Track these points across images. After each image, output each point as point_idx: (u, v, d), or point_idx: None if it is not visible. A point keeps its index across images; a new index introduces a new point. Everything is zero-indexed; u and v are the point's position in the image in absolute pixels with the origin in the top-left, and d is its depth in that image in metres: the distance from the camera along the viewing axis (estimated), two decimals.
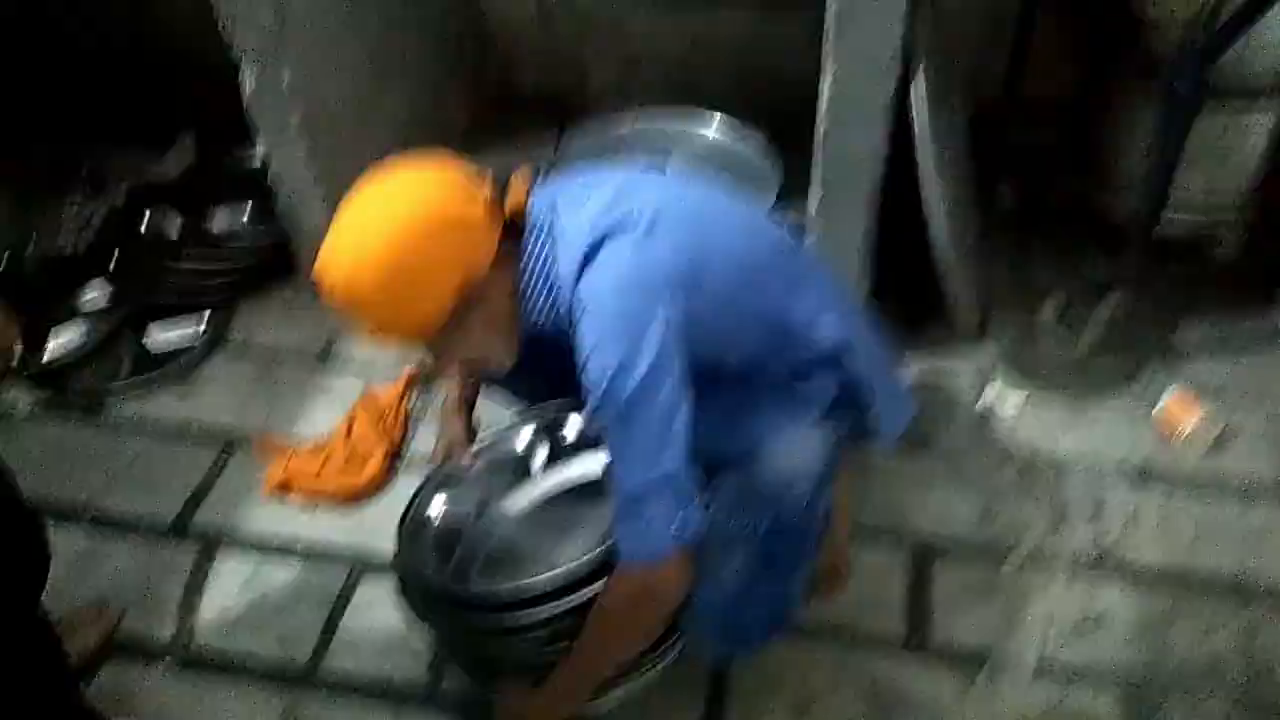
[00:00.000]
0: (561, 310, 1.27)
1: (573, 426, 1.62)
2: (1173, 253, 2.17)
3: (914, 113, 1.87)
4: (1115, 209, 2.29)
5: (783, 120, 2.82)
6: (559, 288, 1.27)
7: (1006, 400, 2.13)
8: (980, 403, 2.14)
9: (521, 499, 1.57)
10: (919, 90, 1.86)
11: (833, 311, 1.43)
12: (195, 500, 2.00)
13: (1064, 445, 2.05)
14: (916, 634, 1.74)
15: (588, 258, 1.23)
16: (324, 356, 2.34)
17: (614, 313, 1.19)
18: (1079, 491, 1.96)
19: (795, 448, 1.38)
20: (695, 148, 2.40)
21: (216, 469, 2.06)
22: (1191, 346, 2.25)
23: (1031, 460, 2.02)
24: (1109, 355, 2.22)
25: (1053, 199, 2.42)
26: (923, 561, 1.85)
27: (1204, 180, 2.11)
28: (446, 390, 1.73)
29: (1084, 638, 1.72)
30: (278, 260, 2.48)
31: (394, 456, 2.06)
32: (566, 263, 1.25)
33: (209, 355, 2.34)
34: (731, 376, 1.40)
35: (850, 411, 1.47)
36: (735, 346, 1.37)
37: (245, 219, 2.58)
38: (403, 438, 2.11)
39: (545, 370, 1.62)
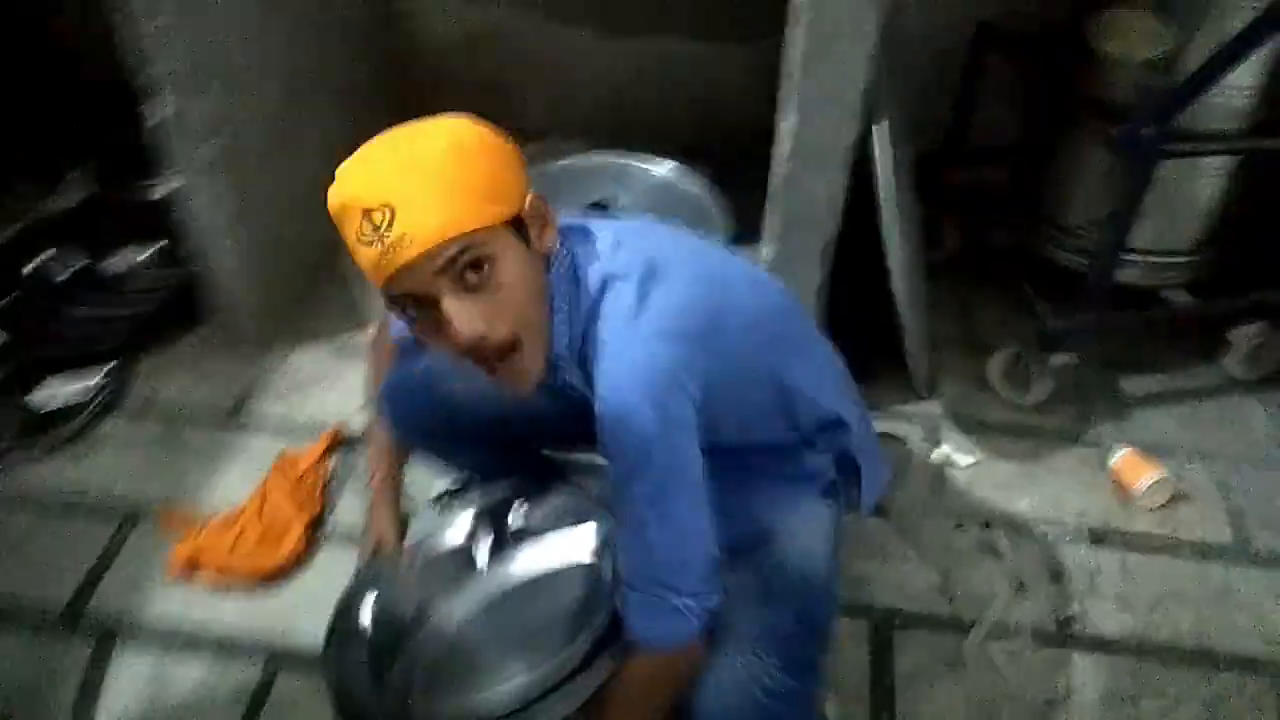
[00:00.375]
0: (576, 349, 1.15)
1: (518, 512, 1.49)
2: (1122, 302, 2.13)
3: (876, 159, 1.79)
4: (1061, 256, 2.24)
5: (726, 156, 2.75)
6: (577, 324, 1.15)
7: (959, 459, 2.06)
8: (932, 461, 2.07)
9: (467, 600, 1.41)
10: (881, 135, 1.78)
11: (831, 377, 1.37)
12: (91, 583, 1.80)
13: (1019, 505, 1.99)
14: (881, 716, 1.65)
15: (601, 302, 1.13)
16: (235, 415, 2.16)
17: (640, 375, 1.08)
18: (1037, 555, 1.90)
19: (806, 528, 1.31)
20: (641, 185, 2.28)
21: (115, 546, 1.87)
22: (1140, 399, 2.23)
23: (988, 522, 1.95)
24: (1059, 409, 2.17)
25: (997, 245, 2.36)
26: (883, 636, 1.76)
27: (1154, 227, 2.07)
28: (370, 475, 1.56)
29: (1051, 716, 1.65)
30: (183, 306, 2.30)
31: (314, 528, 1.90)
32: (586, 304, 1.14)
33: (106, 414, 2.13)
34: (730, 447, 1.28)
35: (847, 484, 1.41)
36: (739, 412, 1.27)
37: (147, 260, 2.39)
38: (323, 507, 1.94)
39: (500, 441, 1.52)
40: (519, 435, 1.55)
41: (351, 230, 1.03)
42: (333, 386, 2.21)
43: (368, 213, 1.00)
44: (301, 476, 1.97)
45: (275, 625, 1.74)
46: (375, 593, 1.41)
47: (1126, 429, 2.15)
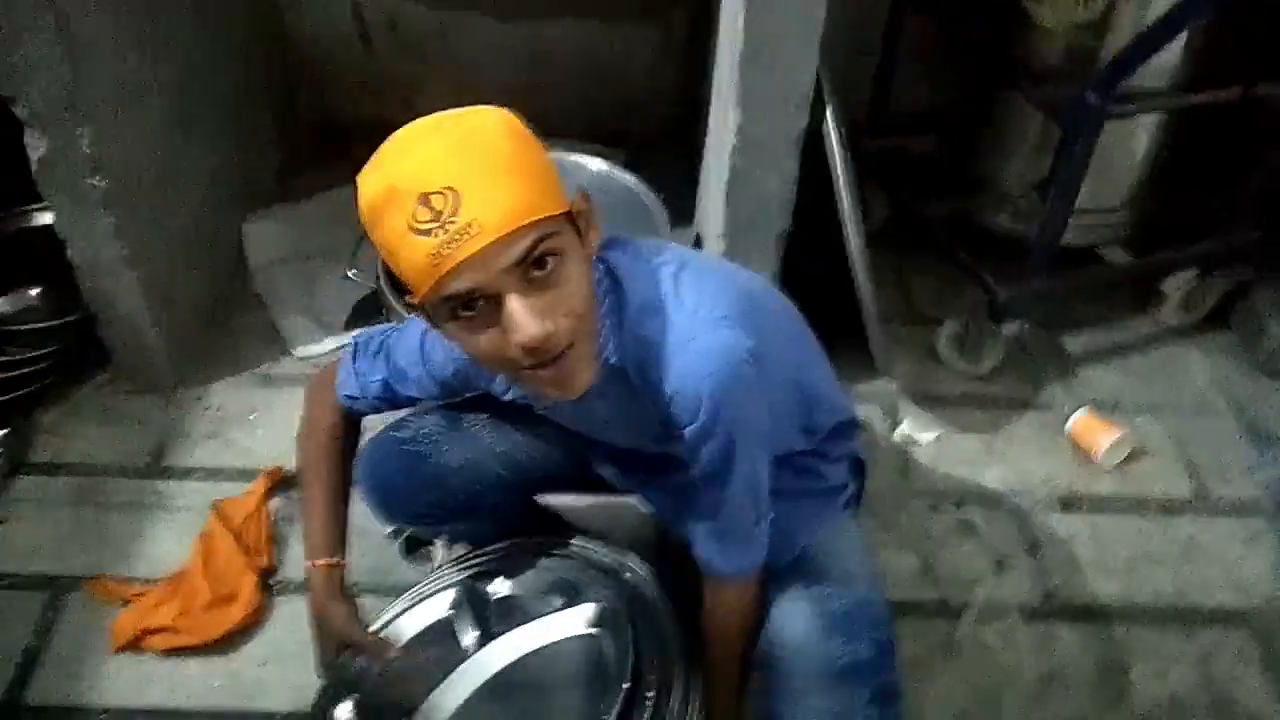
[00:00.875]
0: (628, 360, 1.10)
1: (500, 583, 1.37)
2: (1060, 262, 2.13)
3: (831, 148, 1.73)
4: (999, 223, 2.24)
5: (642, 137, 2.67)
6: (624, 332, 1.10)
7: (921, 437, 2.05)
8: (895, 442, 2.04)
9: (458, 690, 1.25)
10: (833, 123, 1.72)
11: (832, 373, 1.34)
12: (26, 670, 1.63)
13: (987, 479, 1.98)
14: None
15: (649, 304, 1.09)
16: (156, 464, 1.98)
17: (711, 360, 1.05)
18: (1012, 529, 1.90)
19: (851, 555, 1.29)
20: (575, 181, 2.15)
21: (45, 626, 1.70)
22: (1085, 357, 2.25)
23: (960, 500, 1.94)
24: (1009, 376, 2.17)
25: (930, 215, 2.34)
26: None
27: (1088, 187, 2.06)
28: (308, 564, 1.37)
29: (1049, 693, 1.64)
30: (82, 351, 2.10)
31: (266, 579, 1.77)
32: (632, 312, 1.09)
33: (11, 481, 1.93)
34: None
35: (858, 489, 1.41)
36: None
37: (34, 301, 2.18)
38: (273, 555, 1.81)
39: (496, 504, 1.42)
40: (517, 493, 1.46)
41: (399, 219, 0.90)
42: (261, 420, 2.06)
43: (426, 197, 0.88)
44: (244, 524, 1.83)
45: (244, 689, 1.62)
46: (352, 698, 1.27)
47: (1077, 389, 2.17)
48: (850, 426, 1.38)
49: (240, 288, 2.37)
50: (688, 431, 1.08)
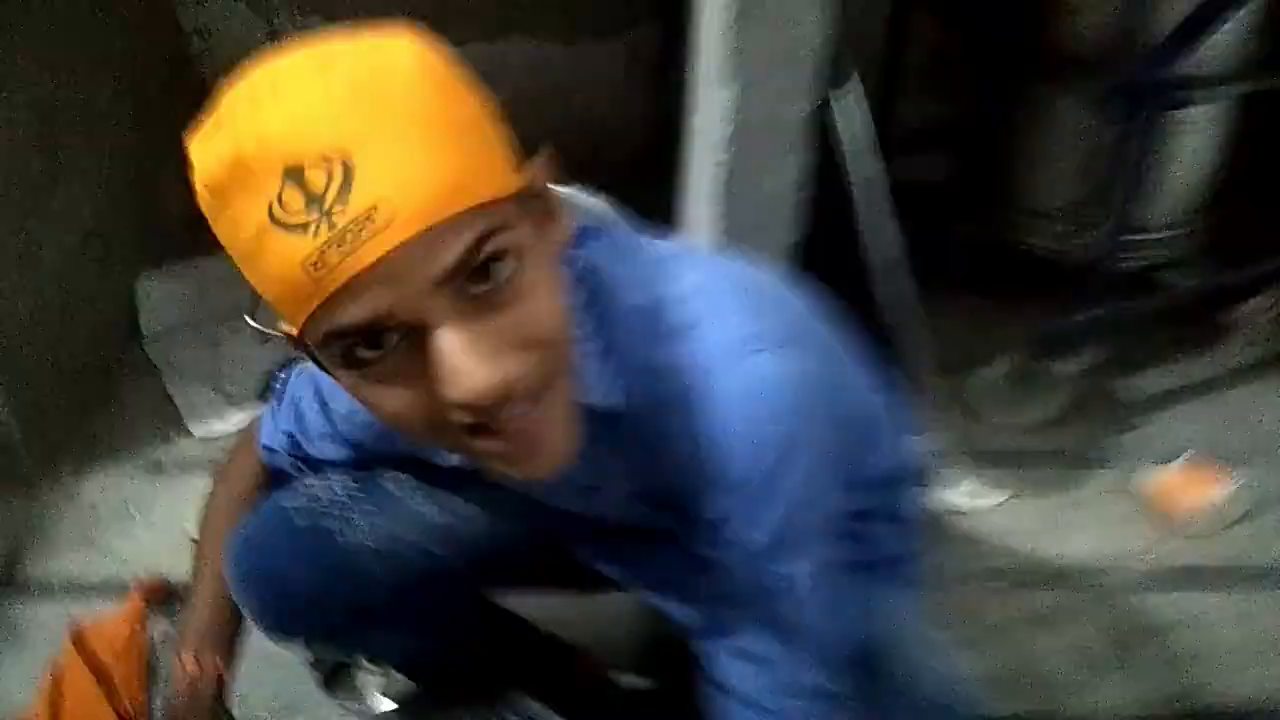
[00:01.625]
0: (632, 401, 0.74)
1: None
2: (1115, 289, 1.78)
3: (844, 135, 1.39)
4: (1040, 245, 1.91)
5: (604, 167, 2.34)
6: (621, 359, 0.74)
7: (980, 503, 1.65)
8: (951, 510, 1.65)
9: None
10: (854, 104, 1.38)
11: (893, 404, 0.94)
12: None
13: (1074, 551, 1.60)
14: None
15: (656, 323, 0.73)
16: (6, 577, 1.54)
17: (766, 397, 0.71)
18: (1115, 615, 1.50)
19: (917, 644, 0.92)
20: None
21: None
22: (1153, 402, 1.89)
23: (1039, 580, 1.54)
24: (1071, 428, 1.80)
25: (955, 241, 2.00)
26: None
27: (1144, 201, 1.75)
28: (175, 678, 0.97)
29: None
30: None
31: None
32: (631, 330, 0.73)
33: None
34: None
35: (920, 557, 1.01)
36: None
37: None
38: (148, 696, 1.36)
39: (433, 606, 1.02)
40: (463, 585, 1.05)
41: (255, 206, 0.55)
42: (145, 520, 1.64)
43: (299, 170, 0.53)
44: (110, 655, 1.38)
45: None
46: None
47: (1156, 439, 1.81)
48: (914, 472, 0.97)
49: (133, 355, 1.97)
50: (733, 501, 0.73)
